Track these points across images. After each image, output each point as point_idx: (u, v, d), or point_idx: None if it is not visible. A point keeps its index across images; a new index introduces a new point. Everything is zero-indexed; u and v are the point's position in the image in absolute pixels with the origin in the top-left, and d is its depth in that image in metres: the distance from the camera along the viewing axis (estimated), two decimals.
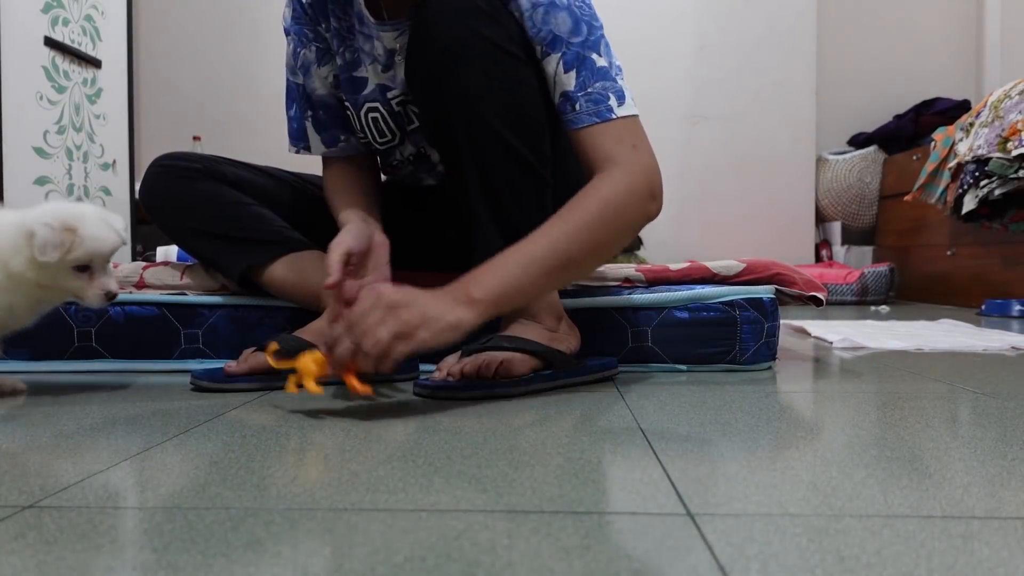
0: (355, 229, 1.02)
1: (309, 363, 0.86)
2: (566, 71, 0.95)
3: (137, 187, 2.86)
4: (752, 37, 3.26)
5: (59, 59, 2.45)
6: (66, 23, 2.49)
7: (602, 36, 0.97)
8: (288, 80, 1.18)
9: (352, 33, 1.11)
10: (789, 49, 3.26)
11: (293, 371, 0.87)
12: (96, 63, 2.65)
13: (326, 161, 1.21)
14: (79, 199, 2.55)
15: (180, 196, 1.15)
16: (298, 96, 1.18)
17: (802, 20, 3.26)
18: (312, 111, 1.18)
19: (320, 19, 1.13)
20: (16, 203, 2.24)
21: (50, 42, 2.40)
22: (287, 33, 1.16)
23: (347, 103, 1.15)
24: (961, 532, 0.47)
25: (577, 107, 0.95)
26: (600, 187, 0.93)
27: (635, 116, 0.97)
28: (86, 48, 2.59)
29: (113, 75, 2.75)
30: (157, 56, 3.41)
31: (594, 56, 0.95)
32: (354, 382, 0.84)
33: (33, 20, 2.35)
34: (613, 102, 0.95)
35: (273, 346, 0.94)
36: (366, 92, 1.12)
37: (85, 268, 0.92)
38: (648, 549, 0.45)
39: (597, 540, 0.46)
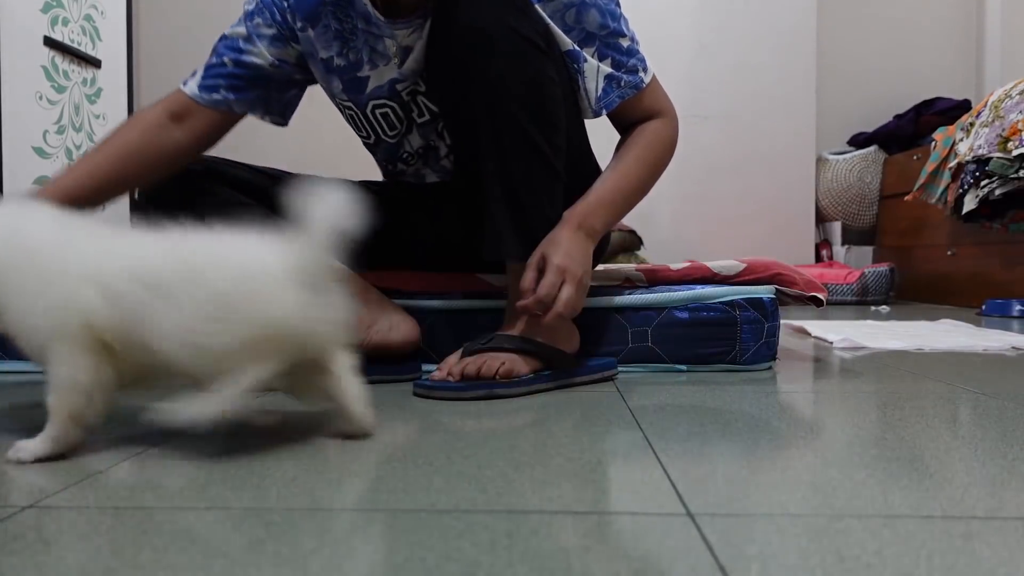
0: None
1: None
2: (602, 60, 1.06)
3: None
4: (752, 37, 3.25)
5: (59, 59, 2.46)
6: (66, 23, 2.49)
7: (620, 14, 1.07)
8: (223, 34, 1.13)
9: (355, 34, 1.10)
10: (789, 49, 3.26)
11: None
12: (96, 63, 2.65)
13: (165, 99, 1.12)
14: None
15: (180, 197, 1.14)
16: (224, 43, 1.12)
17: (802, 20, 3.25)
18: (223, 55, 1.11)
19: (299, 20, 1.09)
20: None
21: (50, 42, 2.40)
22: (252, 3, 1.11)
23: (349, 103, 1.16)
24: (961, 532, 0.47)
25: (622, 84, 1.07)
26: (660, 129, 1.11)
27: (653, 73, 1.12)
28: (86, 48, 2.59)
29: (113, 75, 2.75)
30: (157, 56, 3.41)
31: (620, 40, 1.06)
32: None
33: (33, 20, 2.35)
34: (642, 72, 1.09)
35: None
36: (370, 91, 1.13)
37: None
38: (648, 549, 0.45)
39: (597, 540, 0.46)
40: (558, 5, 1.02)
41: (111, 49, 2.74)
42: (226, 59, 1.11)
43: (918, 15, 3.48)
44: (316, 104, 1.32)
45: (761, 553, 0.44)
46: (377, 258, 1.22)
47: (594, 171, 1.20)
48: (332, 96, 1.18)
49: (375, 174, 1.35)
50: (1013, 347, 1.45)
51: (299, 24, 1.11)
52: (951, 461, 0.64)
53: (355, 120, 1.19)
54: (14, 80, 2.25)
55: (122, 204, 2.80)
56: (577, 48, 1.05)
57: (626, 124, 1.13)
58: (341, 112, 1.21)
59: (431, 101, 1.13)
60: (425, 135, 1.18)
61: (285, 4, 1.11)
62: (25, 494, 0.55)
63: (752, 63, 3.26)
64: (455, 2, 0.97)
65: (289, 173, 1.27)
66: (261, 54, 1.11)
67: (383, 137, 1.19)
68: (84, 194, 1.01)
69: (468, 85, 0.97)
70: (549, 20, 1.02)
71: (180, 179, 1.15)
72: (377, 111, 1.15)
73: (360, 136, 1.22)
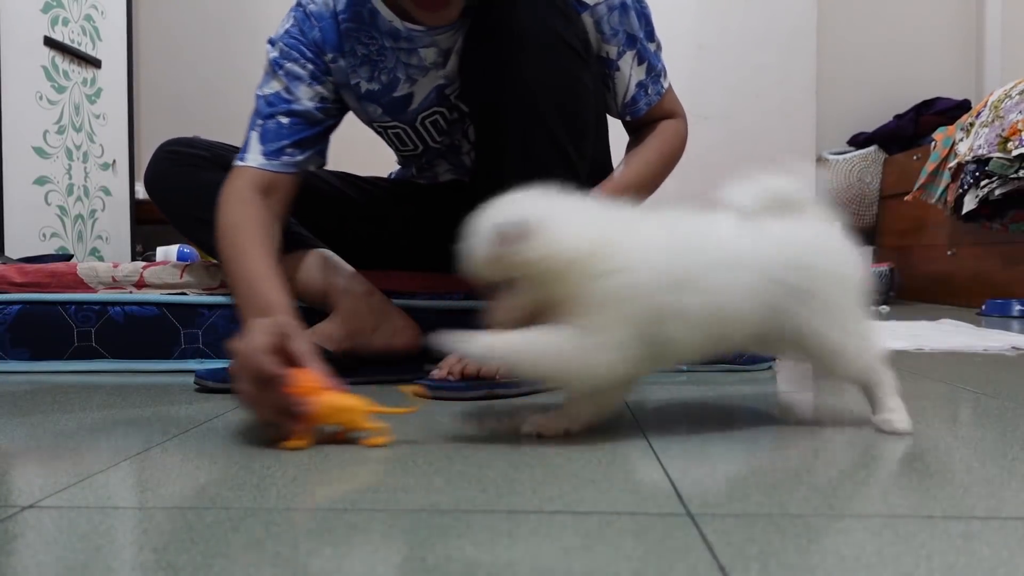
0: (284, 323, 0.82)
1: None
2: (640, 64, 1.07)
3: (137, 187, 2.87)
4: (752, 37, 3.25)
5: (59, 59, 2.46)
6: (66, 23, 2.49)
7: (650, 17, 1.07)
8: (256, 95, 1.08)
9: (384, 55, 1.07)
10: (789, 49, 3.26)
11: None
12: (96, 63, 2.65)
13: (239, 176, 1.03)
14: (79, 199, 2.56)
15: (186, 184, 1.12)
16: (264, 104, 1.06)
17: (802, 20, 3.25)
18: (272, 116, 1.05)
19: (328, 51, 1.07)
20: (16, 203, 2.25)
21: (50, 42, 2.40)
22: (273, 43, 1.08)
23: (393, 123, 1.13)
24: (961, 532, 0.47)
25: (649, 91, 1.10)
26: (677, 128, 1.14)
27: (669, 82, 1.14)
28: (86, 48, 2.59)
29: (113, 75, 2.75)
30: (157, 56, 3.41)
31: (650, 44, 1.08)
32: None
33: (33, 20, 2.35)
34: (663, 79, 1.11)
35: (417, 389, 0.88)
36: (416, 106, 1.11)
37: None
38: (648, 549, 0.45)
39: (597, 540, 0.46)
40: (602, 10, 1.02)
41: (111, 49, 2.74)
42: (280, 118, 1.05)
43: (918, 15, 3.48)
44: None
45: (761, 553, 0.44)
46: (378, 258, 1.22)
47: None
48: (370, 122, 1.15)
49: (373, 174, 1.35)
50: (1013, 347, 1.44)
51: (329, 55, 1.08)
52: (951, 461, 0.64)
53: (400, 137, 1.16)
54: (14, 80, 2.25)
55: (122, 199, 2.80)
56: (611, 57, 1.05)
57: (642, 125, 1.13)
58: (381, 134, 1.18)
59: (462, 100, 1.12)
60: (451, 133, 1.17)
61: (311, 39, 1.07)
62: (25, 494, 0.55)
63: (752, 63, 3.26)
64: (499, 2, 0.97)
65: None
66: (304, 98, 1.06)
67: (431, 144, 1.17)
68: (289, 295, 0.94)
69: (504, 85, 0.97)
70: (591, 26, 1.03)
71: (187, 166, 1.13)
72: (427, 121, 1.13)
73: (403, 152, 1.19)
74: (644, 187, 1.06)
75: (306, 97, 1.06)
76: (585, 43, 1.00)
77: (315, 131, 1.08)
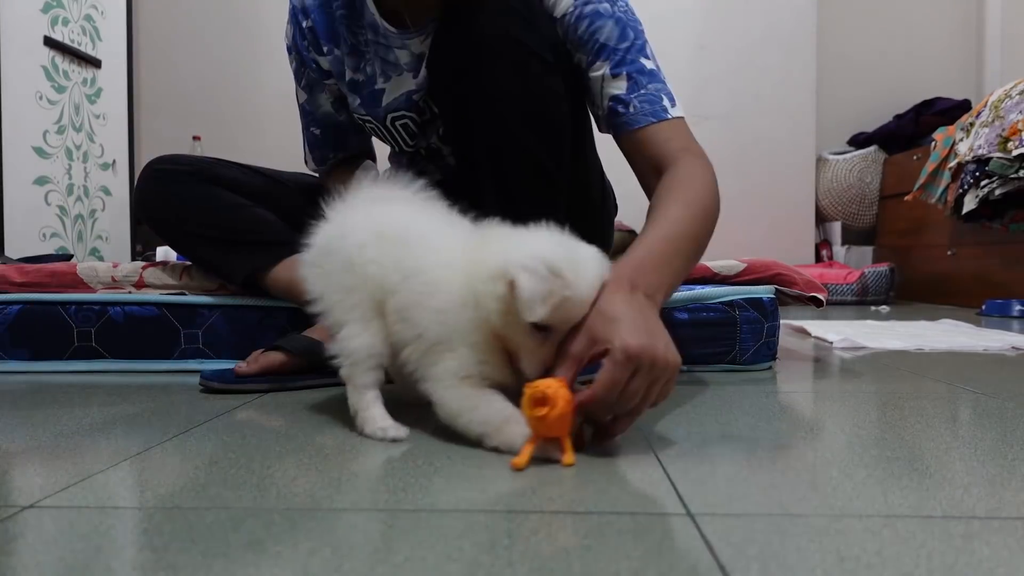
0: None
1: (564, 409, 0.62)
2: (615, 76, 0.97)
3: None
4: (752, 36, 3.25)
5: (59, 59, 2.46)
6: (66, 23, 2.49)
7: (646, 40, 0.99)
8: (297, 97, 1.22)
9: (367, 47, 1.10)
10: (789, 49, 3.26)
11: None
12: (96, 63, 2.65)
13: (321, 177, 1.26)
14: (79, 199, 2.56)
15: (175, 201, 1.14)
16: (302, 113, 1.22)
17: (802, 20, 3.25)
18: (308, 127, 1.22)
19: (324, 43, 1.12)
20: (16, 203, 2.25)
21: (50, 42, 2.40)
22: (289, 52, 1.17)
23: (368, 117, 1.15)
24: (961, 532, 0.47)
25: (632, 107, 0.96)
26: (700, 174, 0.92)
27: (683, 117, 0.99)
28: (86, 48, 2.59)
29: (113, 75, 2.75)
30: (157, 56, 3.41)
31: (642, 60, 0.97)
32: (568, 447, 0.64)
33: (33, 20, 2.35)
34: (667, 102, 0.97)
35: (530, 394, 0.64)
36: (387, 104, 1.12)
37: (545, 328, 0.66)
38: (648, 549, 0.45)
39: (597, 540, 0.46)
40: (570, 19, 0.97)
41: (111, 49, 2.74)
42: (313, 128, 1.22)
43: (918, 15, 3.48)
44: None
45: (761, 553, 0.44)
46: None
47: (602, 183, 1.20)
48: (352, 113, 1.18)
49: None
50: (1013, 347, 1.44)
51: (326, 47, 1.12)
52: (951, 461, 0.64)
53: (377, 132, 1.19)
54: (14, 80, 2.25)
55: (122, 199, 2.80)
56: (583, 66, 0.99)
57: (645, 162, 0.97)
58: (363, 126, 1.20)
59: (433, 103, 1.12)
60: (426, 135, 1.17)
61: (305, 42, 1.13)
62: (25, 494, 0.55)
63: (752, 63, 3.26)
64: (462, 11, 0.95)
65: (285, 172, 1.26)
66: (324, 104, 1.19)
67: (405, 148, 1.18)
68: None
69: (467, 95, 0.96)
70: (564, 34, 0.99)
71: (174, 183, 1.14)
72: (396, 123, 1.14)
73: (386, 144, 1.23)
74: (679, 251, 0.83)
75: (324, 103, 1.19)
76: (554, 48, 0.97)
77: (345, 129, 1.22)
